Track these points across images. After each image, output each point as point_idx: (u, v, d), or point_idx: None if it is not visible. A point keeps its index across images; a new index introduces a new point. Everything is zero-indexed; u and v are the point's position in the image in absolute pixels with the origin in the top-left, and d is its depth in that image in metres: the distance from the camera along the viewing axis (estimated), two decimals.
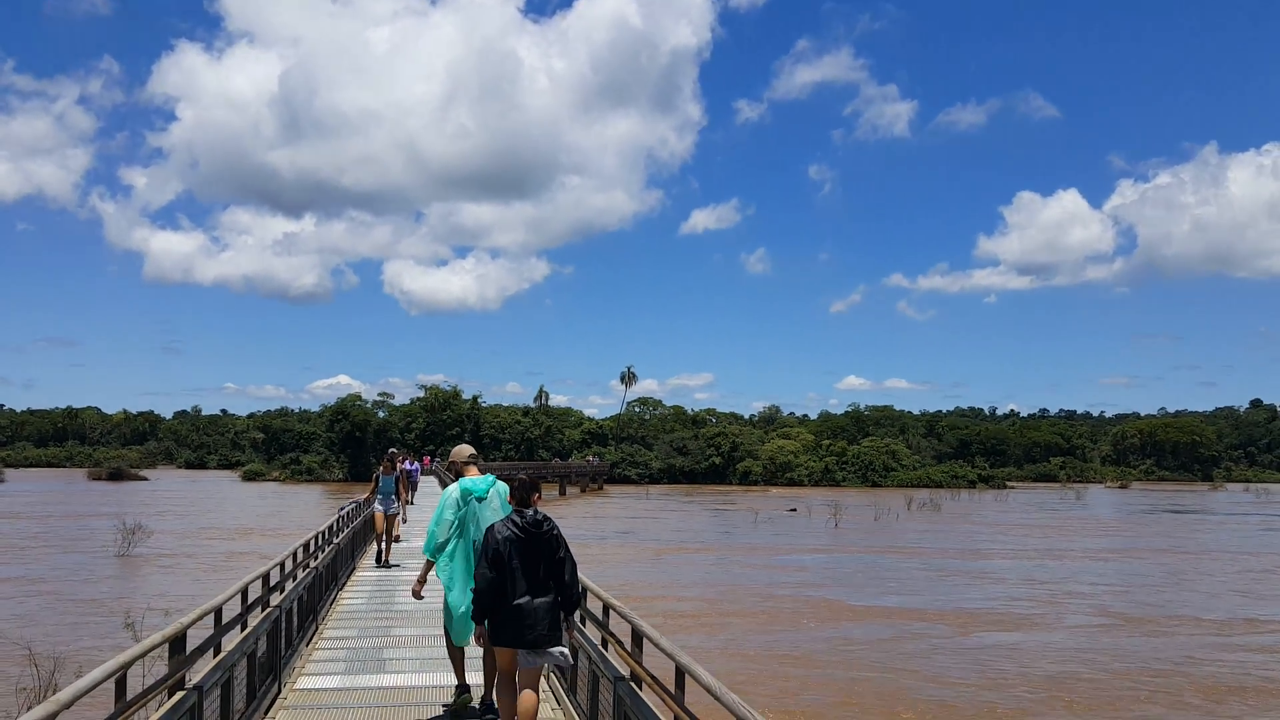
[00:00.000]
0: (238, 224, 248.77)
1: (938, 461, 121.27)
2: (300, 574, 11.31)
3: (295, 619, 10.23)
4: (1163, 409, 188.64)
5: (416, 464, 36.31)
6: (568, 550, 6.66)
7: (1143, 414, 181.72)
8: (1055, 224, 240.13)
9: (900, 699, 15.72)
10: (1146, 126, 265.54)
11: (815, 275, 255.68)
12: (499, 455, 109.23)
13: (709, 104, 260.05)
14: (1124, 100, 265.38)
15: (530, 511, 6.62)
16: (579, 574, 6.93)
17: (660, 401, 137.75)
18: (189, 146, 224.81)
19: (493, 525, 6.62)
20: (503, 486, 7.59)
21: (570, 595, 6.60)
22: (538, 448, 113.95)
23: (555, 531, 6.64)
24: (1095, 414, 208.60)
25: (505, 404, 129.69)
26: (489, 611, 6.46)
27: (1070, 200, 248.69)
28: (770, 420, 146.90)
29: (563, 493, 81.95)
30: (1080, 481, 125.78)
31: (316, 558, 12.72)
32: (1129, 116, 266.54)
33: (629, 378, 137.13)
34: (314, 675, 9.32)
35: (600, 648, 6.74)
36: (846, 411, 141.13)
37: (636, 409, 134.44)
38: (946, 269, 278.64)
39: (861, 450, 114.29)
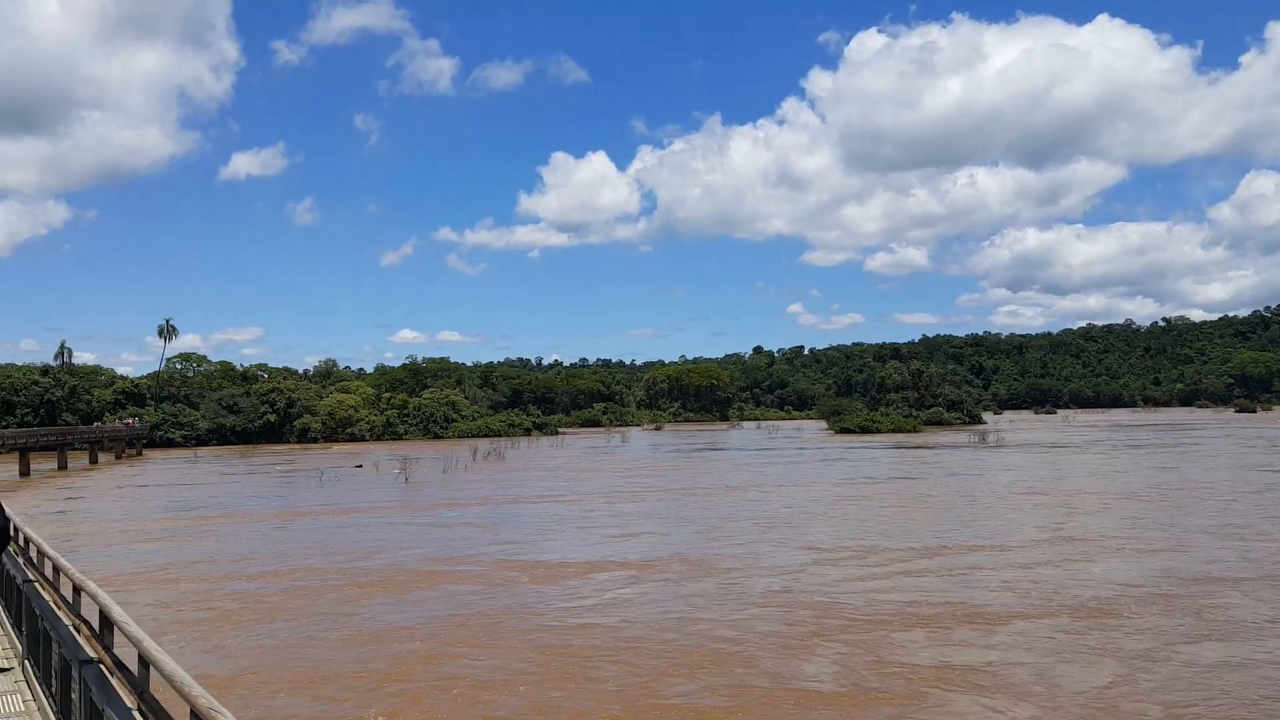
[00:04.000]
0: None
1: (494, 411, 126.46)
2: None
3: None
4: (683, 356, 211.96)
5: None
6: None
7: (667, 361, 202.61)
8: (588, 185, 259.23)
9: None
10: (662, 95, 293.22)
11: (366, 227, 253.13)
12: (13, 420, 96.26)
13: (245, 43, 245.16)
14: (643, 68, 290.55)
15: None
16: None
17: (205, 357, 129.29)
18: None
19: None
20: None
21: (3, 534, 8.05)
22: (61, 410, 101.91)
23: None
24: (629, 362, 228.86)
25: (19, 363, 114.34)
26: None
27: (599, 162, 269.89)
28: (327, 375, 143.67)
29: (94, 460, 74.68)
30: (621, 425, 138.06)
31: None
32: (648, 83, 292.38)
33: (168, 332, 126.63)
34: None
35: (73, 632, 6.98)
36: (404, 364, 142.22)
37: (178, 366, 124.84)
38: (492, 224, 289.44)
39: (422, 402, 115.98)
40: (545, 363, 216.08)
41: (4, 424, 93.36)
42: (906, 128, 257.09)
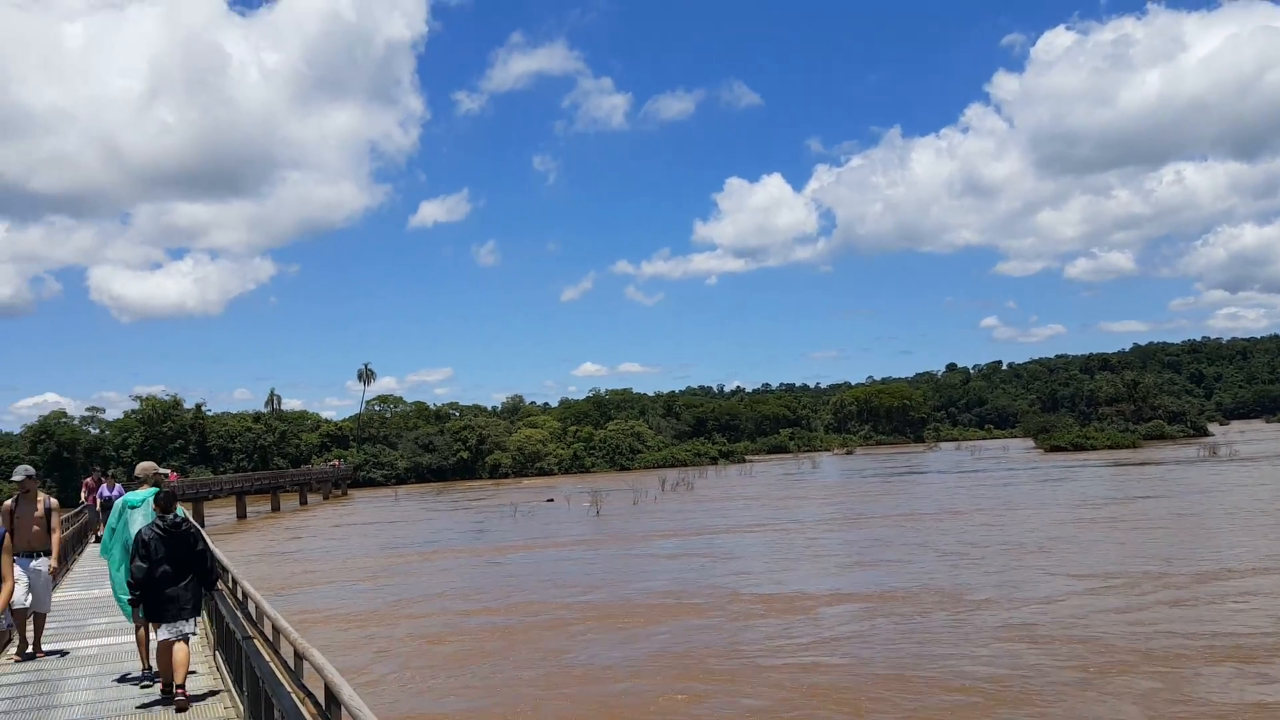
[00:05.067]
0: None
1: (679, 440, 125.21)
2: None
3: None
4: (869, 377, 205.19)
5: (119, 487, 27.00)
6: (205, 543, 8.85)
7: (853, 383, 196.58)
8: (763, 208, 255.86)
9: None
10: (839, 111, 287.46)
11: (545, 264, 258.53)
12: (230, 466, 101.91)
13: (429, 96, 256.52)
14: (816, 86, 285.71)
15: (171, 515, 8.58)
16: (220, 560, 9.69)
17: (401, 399, 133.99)
18: None
19: (141, 529, 8.59)
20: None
21: (209, 577, 8.85)
22: (272, 455, 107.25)
23: (193, 529, 8.72)
24: (812, 385, 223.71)
25: (234, 411, 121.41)
26: (143, 595, 8.43)
27: (775, 185, 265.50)
28: (515, 410, 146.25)
29: (303, 502, 77.45)
30: (809, 450, 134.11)
31: None
32: (823, 101, 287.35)
33: (367, 375, 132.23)
34: None
35: (297, 704, 6.25)
36: (588, 397, 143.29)
37: (376, 408, 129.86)
38: (669, 254, 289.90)
39: (608, 434, 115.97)
40: (727, 389, 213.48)
41: (222, 469, 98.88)
42: (1103, 126, 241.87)
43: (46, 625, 11.26)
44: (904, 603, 21.69)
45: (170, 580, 8.42)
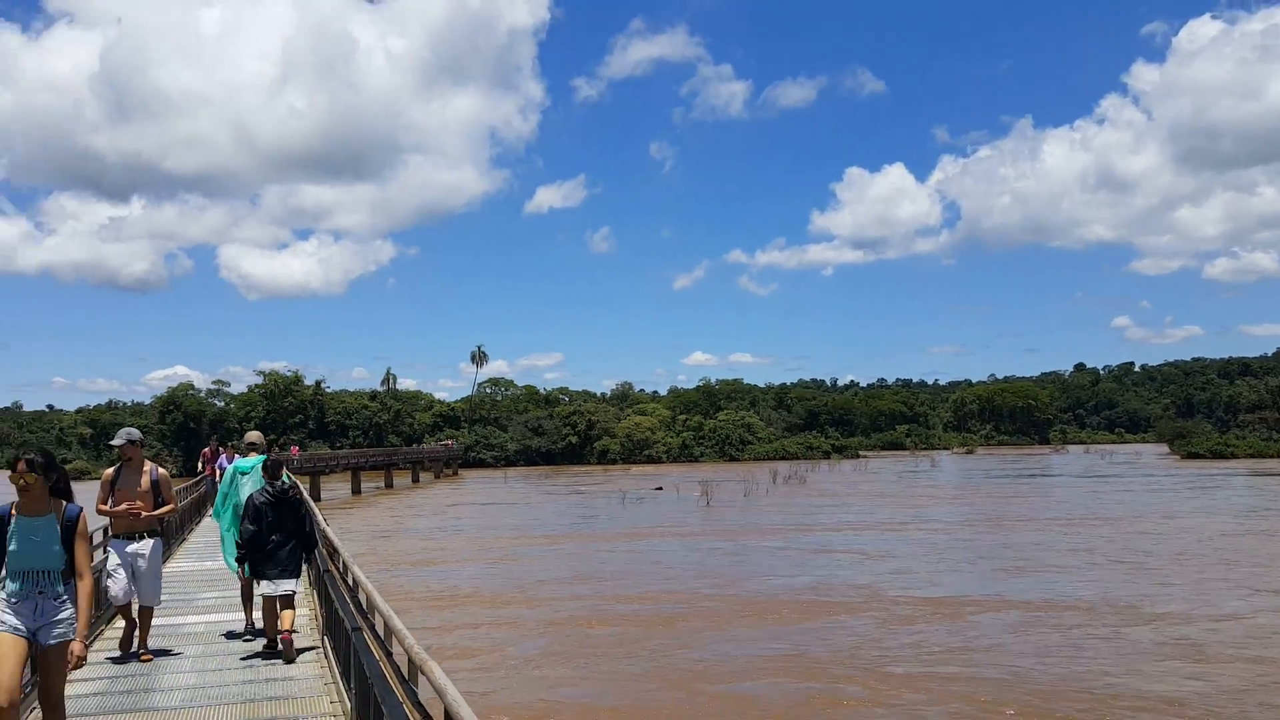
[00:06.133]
0: (63, 210, 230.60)
1: (790, 433, 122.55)
2: None
3: None
4: (991, 375, 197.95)
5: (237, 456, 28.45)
6: (308, 509, 9.61)
7: (974, 381, 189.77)
8: (884, 199, 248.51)
9: None
10: (966, 101, 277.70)
11: (659, 251, 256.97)
12: (346, 442, 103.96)
13: (549, 83, 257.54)
14: (944, 74, 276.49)
15: (279, 482, 9.11)
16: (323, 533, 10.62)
17: (512, 382, 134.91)
18: (5, 131, 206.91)
19: (252, 493, 9.15)
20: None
21: (309, 541, 9.30)
22: (387, 433, 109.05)
23: (298, 496, 9.28)
24: (930, 382, 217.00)
25: (352, 389, 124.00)
26: (251, 555, 8.95)
27: (897, 175, 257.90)
28: (624, 397, 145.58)
29: (415, 480, 78.03)
30: (927, 448, 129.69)
31: None
32: (950, 90, 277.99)
33: (480, 358, 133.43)
34: None
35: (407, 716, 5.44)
36: (698, 386, 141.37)
37: (488, 390, 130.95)
38: (784, 244, 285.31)
39: (718, 424, 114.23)
40: (840, 383, 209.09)
41: (338, 445, 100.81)
42: (1249, 120, 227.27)
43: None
44: (1083, 613, 19.65)
45: (276, 542, 8.96)
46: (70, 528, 5.52)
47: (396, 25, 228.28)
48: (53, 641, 5.38)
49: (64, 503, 5.58)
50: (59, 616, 5.42)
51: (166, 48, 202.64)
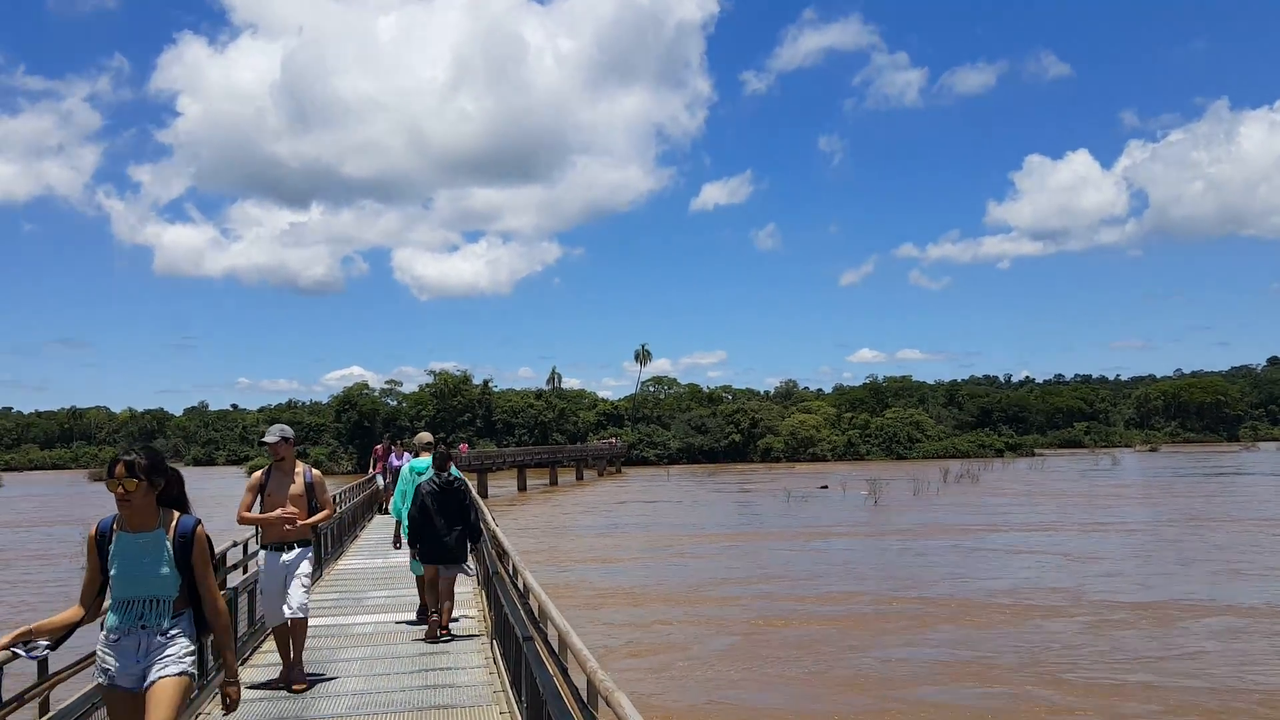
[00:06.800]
0: (247, 216, 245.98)
1: (960, 431, 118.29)
2: None
3: None
4: (1178, 370, 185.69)
5: (407, 455, 27.37)
6: (473, 499, 10.04)
7: (1159, 376, 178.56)
8: (1067, 187, 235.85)
9: None
10: (1157, 82, 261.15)
11: (825, 247, 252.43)
12: (512, 440, 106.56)
13: (717, 78, 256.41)
14: (1135, 55, 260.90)
15: (445, 474, 9.77)
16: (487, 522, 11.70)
17: (675, 380, 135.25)
18: (194, 140, 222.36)
19: (420, 483, 9.83)
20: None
21: (474, 529, 9.89)
22: (551, 431, 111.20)
23: (463, 487, 9.85)
24: (1111, 378, 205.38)
25: (518, 388, 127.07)
26: (418, 540, 9.64)
27: (1081, 162, 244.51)
28: (788, 395, 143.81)
29: (580, 477, 79.15)
30: (1106, 446, 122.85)
31: None
32: (1139, 72, 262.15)
33: (644, 356, 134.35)
34: None
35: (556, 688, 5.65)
36: (865, 383, 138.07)
37: (651, 388, 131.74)
38: (958, 237, 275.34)
39: (885, 422, 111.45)
40: (1015, 380, 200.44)
41: (505, 443, 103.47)
42: None
43: (323, 596, 10.00)
44: None
45: (444, 529, 9.60)
46: (185, 545, 4.42)
47: (566, 25, 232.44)
48: (159, 676, 4.28)
49: (176, 514, 4.50)
50: (167, 652, 4.33)
51: (344, 55, 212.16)
